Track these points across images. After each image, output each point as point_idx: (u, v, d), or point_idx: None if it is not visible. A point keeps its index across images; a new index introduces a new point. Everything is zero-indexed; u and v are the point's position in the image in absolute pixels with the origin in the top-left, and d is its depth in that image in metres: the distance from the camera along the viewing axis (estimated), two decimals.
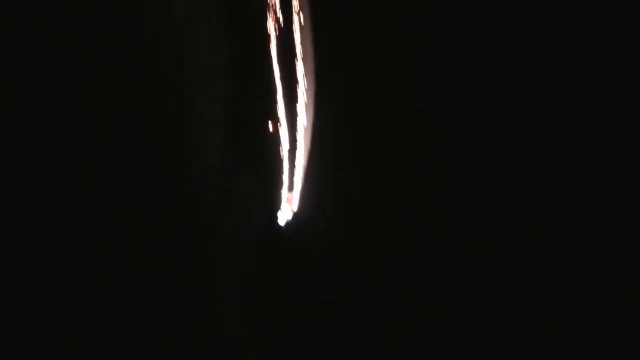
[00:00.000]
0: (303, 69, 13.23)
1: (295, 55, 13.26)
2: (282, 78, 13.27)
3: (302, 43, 13.22)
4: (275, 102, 13.26)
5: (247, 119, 13.26)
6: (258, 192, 13.21)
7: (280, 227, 13.23)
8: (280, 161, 13.29)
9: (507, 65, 12.78)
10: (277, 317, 12.74)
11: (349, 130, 13.28)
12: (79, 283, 11.93)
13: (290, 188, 13.33)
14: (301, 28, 13.23)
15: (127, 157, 12.44)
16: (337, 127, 13.29)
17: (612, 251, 12.43)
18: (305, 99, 13.26)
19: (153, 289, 12.25)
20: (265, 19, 13.24)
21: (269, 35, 13.20)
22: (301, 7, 13.19)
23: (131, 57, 12.57)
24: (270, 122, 13.27)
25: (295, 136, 13.35)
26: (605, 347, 12.02)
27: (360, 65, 13.20)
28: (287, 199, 13.27)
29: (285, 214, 13.26)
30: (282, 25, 13.25)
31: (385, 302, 12.74)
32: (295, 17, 13.19)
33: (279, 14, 13.21)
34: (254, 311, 12.73)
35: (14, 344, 11.43)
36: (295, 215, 13.24)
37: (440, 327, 12.54)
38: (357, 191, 13.21)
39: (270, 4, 13.22)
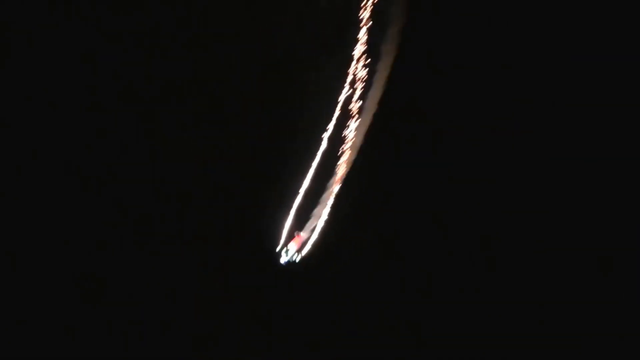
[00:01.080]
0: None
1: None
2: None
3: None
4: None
5: (249, 122, 13.23)
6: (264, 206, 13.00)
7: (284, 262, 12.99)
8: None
9: (507, 65, 12.79)
10: (276, 318, 12.76)
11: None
12: (79, 283, 11.96)
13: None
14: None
15: (127, 157, 12.46)
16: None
17: (612, 250, 12.45)
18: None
19: (153, 289, 12.27)
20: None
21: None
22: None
23: (131, 57, 12.60)
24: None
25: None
26: (605, 347, 12.03)
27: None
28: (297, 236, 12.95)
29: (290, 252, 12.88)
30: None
31: (386, 305, 12.76)
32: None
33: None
34: (253, 311, 12.74)
35: (14, 344, 11.46)
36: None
37: (443, 329, 12.56)
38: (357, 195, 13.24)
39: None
